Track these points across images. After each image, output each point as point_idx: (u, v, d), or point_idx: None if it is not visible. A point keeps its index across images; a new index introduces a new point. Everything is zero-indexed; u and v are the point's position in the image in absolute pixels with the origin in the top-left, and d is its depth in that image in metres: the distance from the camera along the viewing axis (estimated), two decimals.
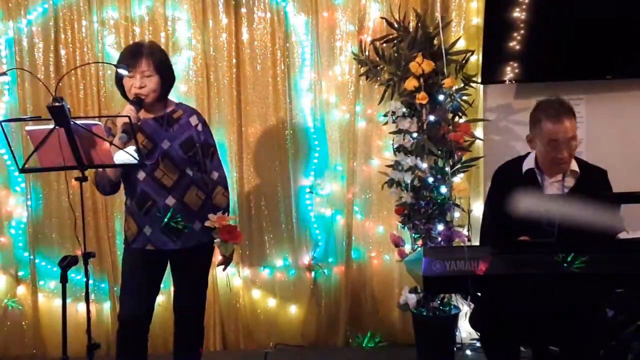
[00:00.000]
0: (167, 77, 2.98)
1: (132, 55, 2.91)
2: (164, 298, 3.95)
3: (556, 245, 2.28)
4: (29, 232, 4.10)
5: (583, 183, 2.86)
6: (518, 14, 3.77)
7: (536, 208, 2.48)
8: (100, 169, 2.84)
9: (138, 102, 2.86)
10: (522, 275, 2.27)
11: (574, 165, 2.88)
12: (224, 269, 3.12)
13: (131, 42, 3.87)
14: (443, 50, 3.47)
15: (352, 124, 4.07)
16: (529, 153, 3.00)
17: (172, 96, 3.15)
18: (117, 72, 2.94)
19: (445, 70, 3.45)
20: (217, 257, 3.13)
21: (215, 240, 2.97)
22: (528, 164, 2.94)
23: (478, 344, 3.95)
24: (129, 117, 2.66)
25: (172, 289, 3.19)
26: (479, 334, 3.17)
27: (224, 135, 4.08)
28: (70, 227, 4.04)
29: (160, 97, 2.96)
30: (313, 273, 4.17)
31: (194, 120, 3.04)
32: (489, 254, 2.27)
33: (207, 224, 2.94)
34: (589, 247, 2.23)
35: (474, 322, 2.97)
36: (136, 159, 2.58)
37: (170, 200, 2.93)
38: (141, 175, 2.93)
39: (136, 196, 2.96)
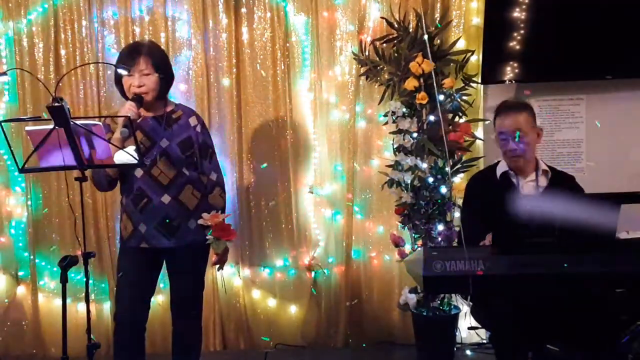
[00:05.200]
0: (166, 75, 2.97)
1: (131, 54, 2.91)
2: (163, 298, 3.96)
3: (556, 245, 2.28)
4: (29, 232, 4.10)
5: (556, 182, 3.00)
6: (518, 13, 3.77)
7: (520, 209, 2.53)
8: None
9: (138, 100, 2.86)
10: (522, 275, 2.27)
11: (544, 166, 3.04)
12: (219, 269, 3.09)
13: (131, 42, 3.87)
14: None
15: (352, 124, 4.07)
16: (500, 161, 3.12)
17: (172, 96, 3.15)
18: (116, 72, 2.94)
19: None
20: (214, 256, 3.13)
21: (207, 237, 2.95)
22: (501, 167, 3.08)
23: (477, 344, 3.96)
24: (129, 114, 2.69)
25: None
26: (488, 334, 3.20)
27: (224, 135, 4.08)
28: (70, 227, 4.05)
29: (159, 95, 2.96)
30: (313, 273, 4.17)
31: (193, 121, 3.04)
32: (489, 254, 2.27)
33: (200, 221, 2.93)
34: (589, 247, 2.23)
35: (483, 323, 2.97)
36: (136, 159, 2.58)
37: (166, 198, 2.93)
38: (139, 172, 2.94)
39: (132, 193, 2.96)
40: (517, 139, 2.94)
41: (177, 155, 2.95)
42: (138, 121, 2.91)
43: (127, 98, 2.95)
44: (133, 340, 3.02)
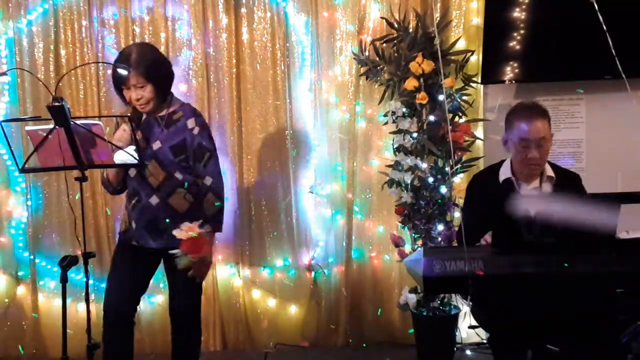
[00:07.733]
0: (160, 80, 2.92)
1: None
2: (163, 298, 3.96)
3: (556, 245, 2.28)
4: (29, 232, 4.10)
5: (560, 189, 2.90)
6: (518, 14, 3.77)
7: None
8: (103, 172, 2.85)
9: (136, 118, 2.90)
10: (522, 275, 2.27)
11: (550, 171, 2.91)
12: (197, 280, 2.92)
13: (131, 42, 3.88)
14: (439, 51, 3.47)
15: (352, 124, 4.07)
16: (503, 161, 3.01)
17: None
18: (114, 79, 2.91)
19: (441, 69, 3.45)
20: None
21: (174, 251, 2.79)
22: (504, 172, 2.95)
23: (477, 344, 3.96)
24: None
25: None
26: (487, 335, 3.19)
27: (224, 135, 4.08)
28: (70, 227, 4.04)
29: (160, 100, 2.95)
30: (313, 273, 4.17)
31: (191, 123, 2.97)
32: (489, 254, 2.27)
33: (174, 232, 2.78)
34: (589, 247, 2.23)
35: (482, 323, 2.97)
36: (136, 159, 2.58)
37: (154, 200, 2.93)
38: (132, 172, 2.96)
39: (128, 191, 3.02)
40: (540, 148, 2.80)
41: (168, 159, 2.92)
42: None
43: (126, 102, 2.96)
44: (118, 332, 2.96)
